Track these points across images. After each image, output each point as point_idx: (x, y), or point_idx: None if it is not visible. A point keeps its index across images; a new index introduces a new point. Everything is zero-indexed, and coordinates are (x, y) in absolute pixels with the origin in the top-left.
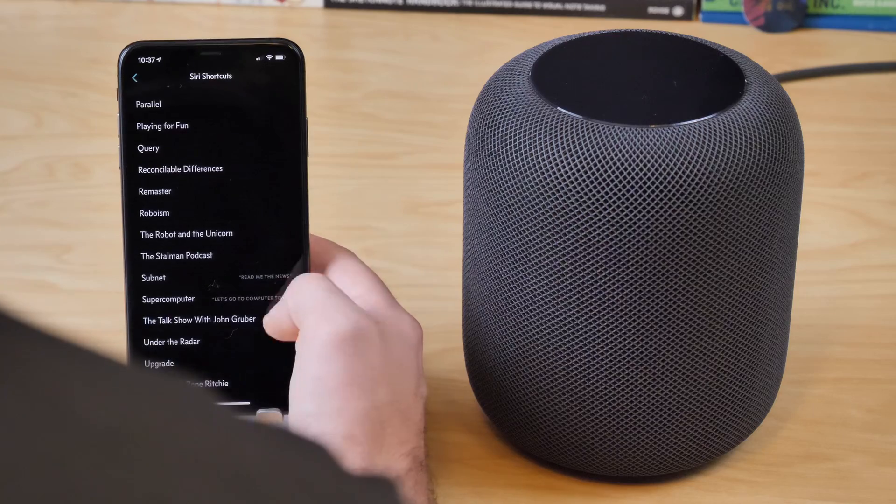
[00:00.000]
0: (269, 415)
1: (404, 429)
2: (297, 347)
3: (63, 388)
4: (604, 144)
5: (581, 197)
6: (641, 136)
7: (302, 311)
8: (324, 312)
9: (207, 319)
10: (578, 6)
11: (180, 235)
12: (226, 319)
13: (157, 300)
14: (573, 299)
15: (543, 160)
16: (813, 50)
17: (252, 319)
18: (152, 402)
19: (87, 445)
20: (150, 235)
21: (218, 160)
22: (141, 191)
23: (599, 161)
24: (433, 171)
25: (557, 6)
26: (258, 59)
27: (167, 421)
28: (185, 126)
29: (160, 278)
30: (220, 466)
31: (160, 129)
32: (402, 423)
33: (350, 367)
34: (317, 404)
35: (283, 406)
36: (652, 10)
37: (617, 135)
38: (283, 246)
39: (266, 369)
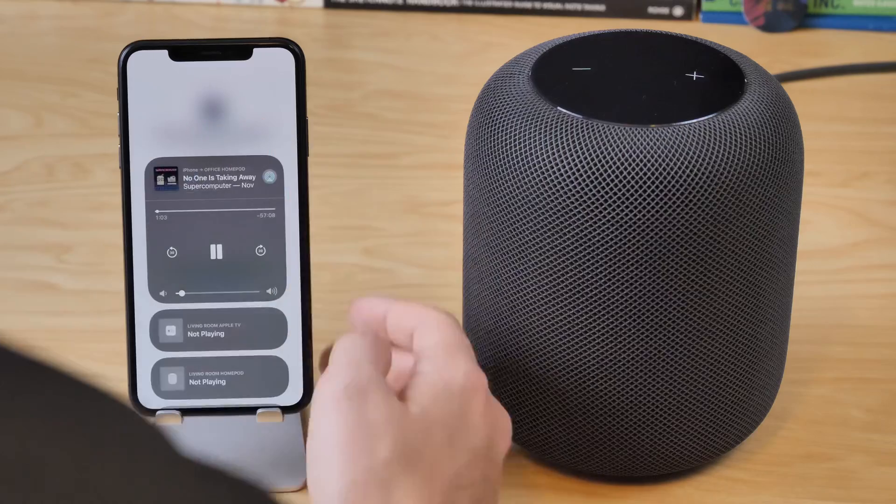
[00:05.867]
0: (269, 414)
1: (427, 484)
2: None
3: None
4: (604, 144)
5: (581, 197)
6: (641, 136)
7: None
8: (330, 369)
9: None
10: (578, 6)
11: None
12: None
13: None
14: (573, 299)
15: (543, 160)
16: (813, 50)
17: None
18: (79, 434)
19: None
20: None
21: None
22: None
23: (599, 161)
24: (433, 171)
25: (557, 6)
26: (258, 58)
27: (86, 455)
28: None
29: None
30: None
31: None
32: (423, 479)
33: (340, 425)
34: (312, 471)
35: (283, 406)
36: (652, 10)
37: (617, 135)
38: (283, 245)
39: (266, 369)
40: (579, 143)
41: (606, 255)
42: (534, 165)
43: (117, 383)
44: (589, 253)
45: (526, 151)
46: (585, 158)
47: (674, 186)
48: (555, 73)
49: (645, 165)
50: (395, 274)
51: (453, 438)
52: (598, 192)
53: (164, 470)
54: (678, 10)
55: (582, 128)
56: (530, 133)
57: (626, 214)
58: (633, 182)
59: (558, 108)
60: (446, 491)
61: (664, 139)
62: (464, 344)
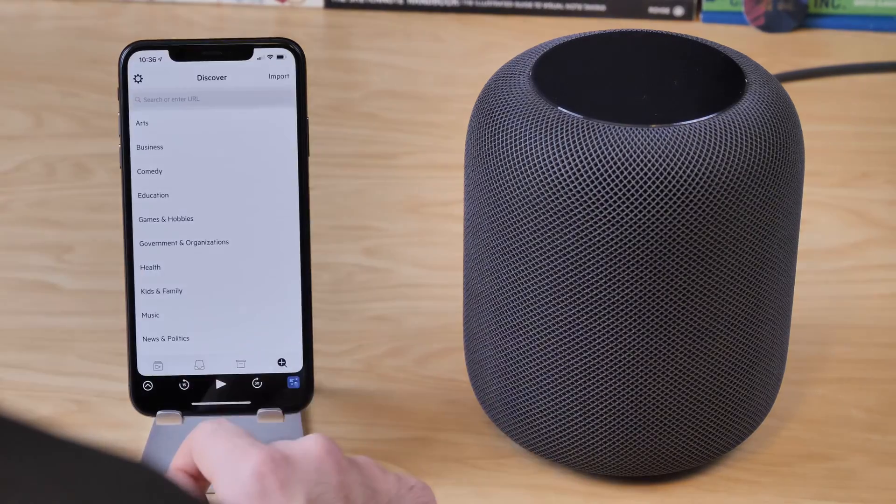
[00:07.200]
0: (270, 414)
1: None
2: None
3: None
4: (604, 144)
5: (581, 197)
6: (641, 136)
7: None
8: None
9: None
10: (578, 6)
11: None
12: None
13: None
14: (573, 299)
15: (543, 160)
16: (813, 50)
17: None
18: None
19: None
20: None
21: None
22: None
23: (599, 161)
24: (433, 171)
25: (557, 6)
26: (259, 58)
27: None
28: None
29: None
30: None
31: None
32: None
33: None
34: None
35: (284, 406)
36: (652, 10)
37: (617, 135)
38: (282, 245)
39: (266, 369)
40: (579, 143)
41: (606, 255)
42: (534, 165)
43: (117, 383)
44: (589, 253)
45: (526, 151)
46: (585, 158)
47: (673, 186)
48: (555, 73)
49: (645, 165)
50: (395, 274)
51: None
52: (598, 192)
53: None
54: (678, 10)
55: (582, 128)
56: (530, 133)
57: (626, 214)
58: (632, 182)
59: (558, 108)
60: None
61: (664, 139)
62: (237, 446)
